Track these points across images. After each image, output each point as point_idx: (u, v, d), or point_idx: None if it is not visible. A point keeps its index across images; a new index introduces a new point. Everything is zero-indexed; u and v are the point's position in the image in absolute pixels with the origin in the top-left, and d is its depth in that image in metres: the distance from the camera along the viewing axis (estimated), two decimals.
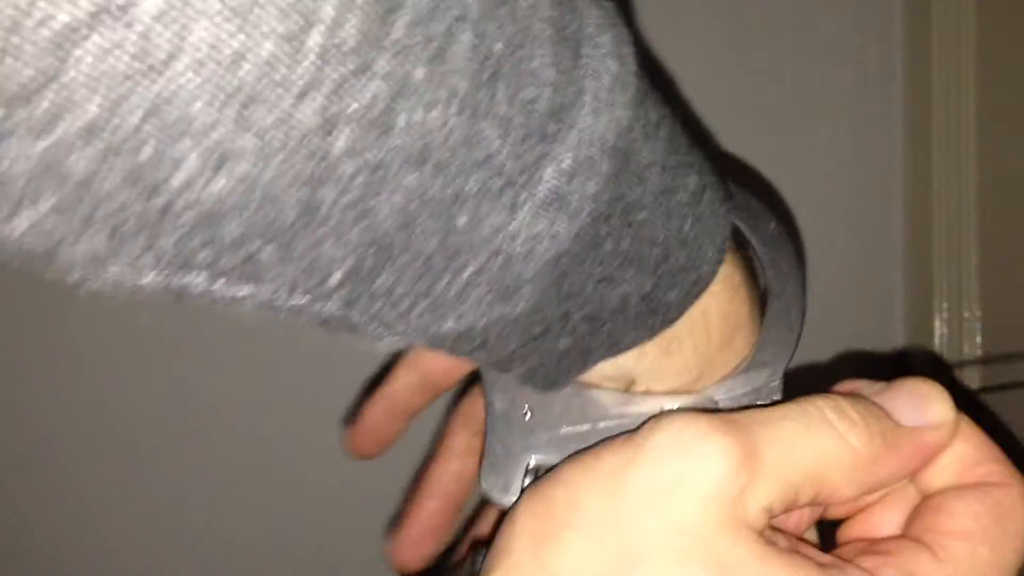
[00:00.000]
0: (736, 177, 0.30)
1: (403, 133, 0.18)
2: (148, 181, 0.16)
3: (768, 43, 0.59)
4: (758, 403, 0.27)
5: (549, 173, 0.21)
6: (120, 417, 0.57)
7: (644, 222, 0.23)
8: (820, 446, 0.22)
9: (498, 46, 0.18)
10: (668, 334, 0.26)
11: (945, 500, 0.23)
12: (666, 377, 0.27)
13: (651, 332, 0.25)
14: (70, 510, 0.57)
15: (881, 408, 0.23)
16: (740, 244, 0.29)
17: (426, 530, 0.34)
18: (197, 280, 0.19)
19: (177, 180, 0.16)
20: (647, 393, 0.27)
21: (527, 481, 0.26)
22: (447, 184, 0.19)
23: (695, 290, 0.25)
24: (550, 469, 0.25)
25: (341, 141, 0.17)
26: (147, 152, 0.16)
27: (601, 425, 0.26)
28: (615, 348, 0.26)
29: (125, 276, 0.18)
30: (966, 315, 0.57)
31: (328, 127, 0.17)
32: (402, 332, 0.22)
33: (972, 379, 0.57)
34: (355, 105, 0.17)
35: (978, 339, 0.57)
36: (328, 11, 0.16)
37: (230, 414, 0.57)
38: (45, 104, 0.15)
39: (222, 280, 0.19)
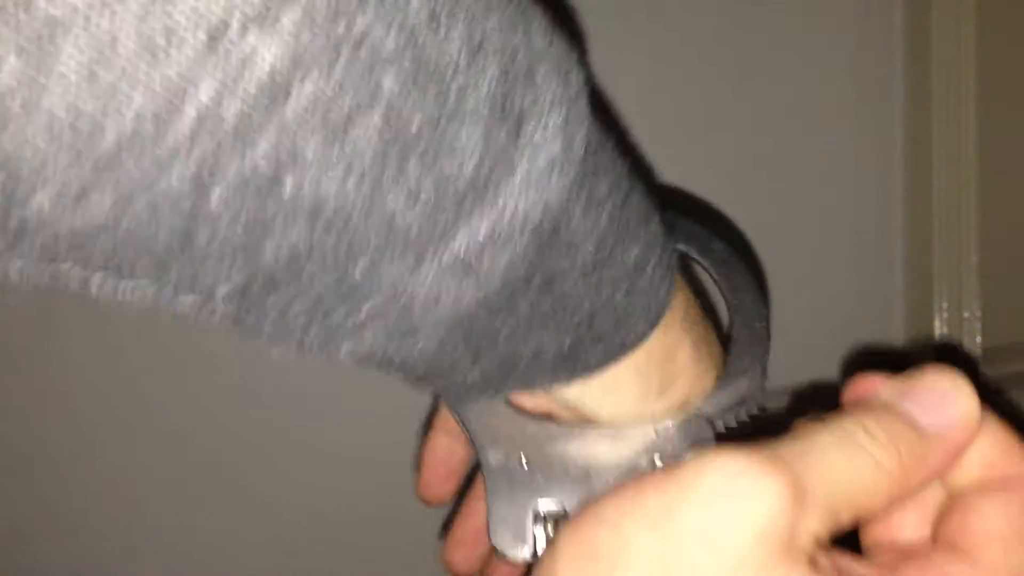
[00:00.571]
0: (685, 209, 0.31)
1: (289, 199, 0.18)
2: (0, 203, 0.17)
3: (768, 43, 0.59)
4: (747, 412, 0.28)
5: (459, 241, 0.21)
6: (123, 419, 0.57)
7: (568, 292, 0.23)
8: (858, 474, 0.22)
9: (414, 125, 0.19)
10: (610, 374, 0.26)
11: (974, 502, 0.23)
12: (615, 408, 0.27)
13: (567, 380, 0.26)
14: (68, 514, 0.57)
15: (905, 417, 0.23)
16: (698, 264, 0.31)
17: (477, 530, 0.34)
18: (71, 271, 0.19)
19: (30, 207, 0.17)
20: (635, 422, 0.27)
21: (538, 530, 0.26)
22: (340, 241, 0.20)
23: (619, 353, 0.25)
24: (559, 515, 0.26)
25: (214, 202, 0.18)
26: None
27: (601, 462, 0.26)
28: (529, 386, 0.26)
29: None
30: (966, 315, 0.57)
31: (199, 190, 0.17)
32: (297, 347, 0.22)
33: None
34: (230, 174, 0.17)
35: (978, 339, 0.57)
36: (203, 95, 0.16)
37: (231, 417, 0.57)
38: None
39: (99, 273, 0.19)
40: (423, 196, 0.20)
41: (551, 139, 0.21)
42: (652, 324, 0.26)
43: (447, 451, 0.35)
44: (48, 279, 0.19)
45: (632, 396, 0.27)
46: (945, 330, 0.58)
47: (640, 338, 0.26)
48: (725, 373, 0.28)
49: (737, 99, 0.59)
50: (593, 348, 0.25)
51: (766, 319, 0.30)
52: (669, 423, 0.27)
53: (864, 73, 0.60)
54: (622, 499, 0.22)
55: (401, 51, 0.18)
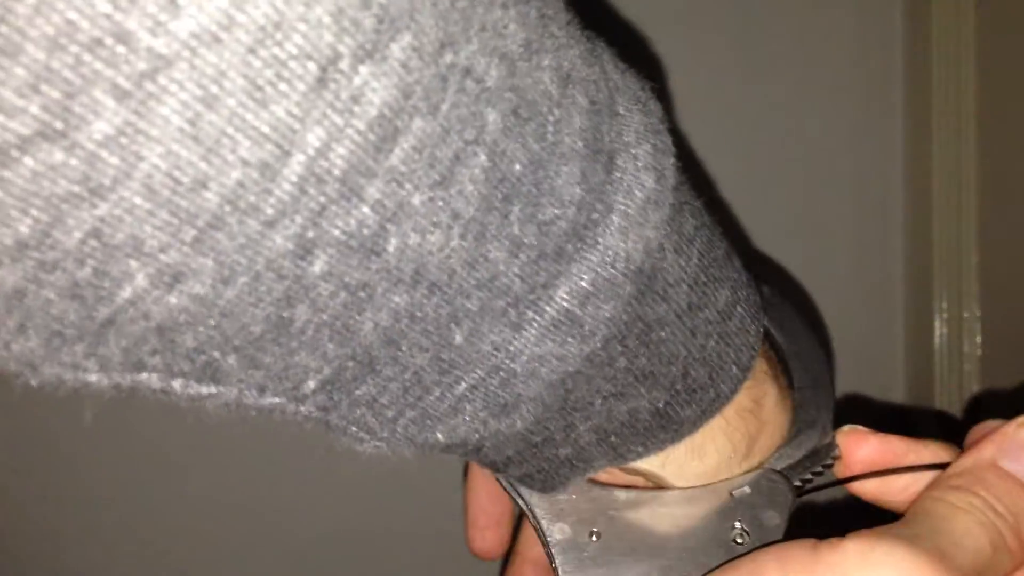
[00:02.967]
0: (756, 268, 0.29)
1: (393, 256, 0.17)
2: (89, 296, 0.15)
3: (769, 43, 0.59)
4: (821, 465, 0.26)
5: (562, 294, 0.19)
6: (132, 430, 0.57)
7: (664, 340, 0.22)
8: (998, 559, 0.21)
9: (517, 166, 0.17)
10: (699, 434, 0.24)
11: None
12: (698, 478, 0.25)
13: (660, 445, 0.24)
14: (70, 520, 0.57)
15: (1020, 484, 0.22)
16: None
17: None
18: (150, 379, 0.17)
19: (122, 296, 0.15)
20: (710, 484, 0.25)
21: None
22: (443, 304, 0.18)
23: (713, 408, 0.24)
24: None
25: (318, 265, 0.16)
26: (87, 271, 0.15)
27: (678, 530, 0.24)
28: (620, 459, 0.24)
29: (66, 376, 0.17)
30: (966, 315, 0.57)
31: (303, 251, 0.16)
32: (386, 439, 0.21)
33: (972, 379, 0.57)
34: (336, 231, 0.16)
35: (978, 339, 0.57)
36: (312, 140, 0.15)
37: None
38: None
39: (179, 380, 0.18)
40: (524, 250, 0.18)
41: (644, 172, 0.20)
42: (745, 371, 0.24)
43: (491, 497, 0.32)
44: (125, 390, 0.17)
45: (718, 457, 0.25)
46: (945, 330, 0.58)
47: (734, 389, 0.24)
48: (794, 419, 0.27)
49: (737, 99, 0.59)
50: (688, 404, 0.23)
51: (826, 363, 0.28)
52: (745, 484, 0.25)
53: (864, 73, 0.60)
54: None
55: (501, 87, 0.17)
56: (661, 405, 0.23)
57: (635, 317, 0.21)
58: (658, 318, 0.21)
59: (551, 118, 0.18)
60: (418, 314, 0.18)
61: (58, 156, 0.13)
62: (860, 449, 0.26)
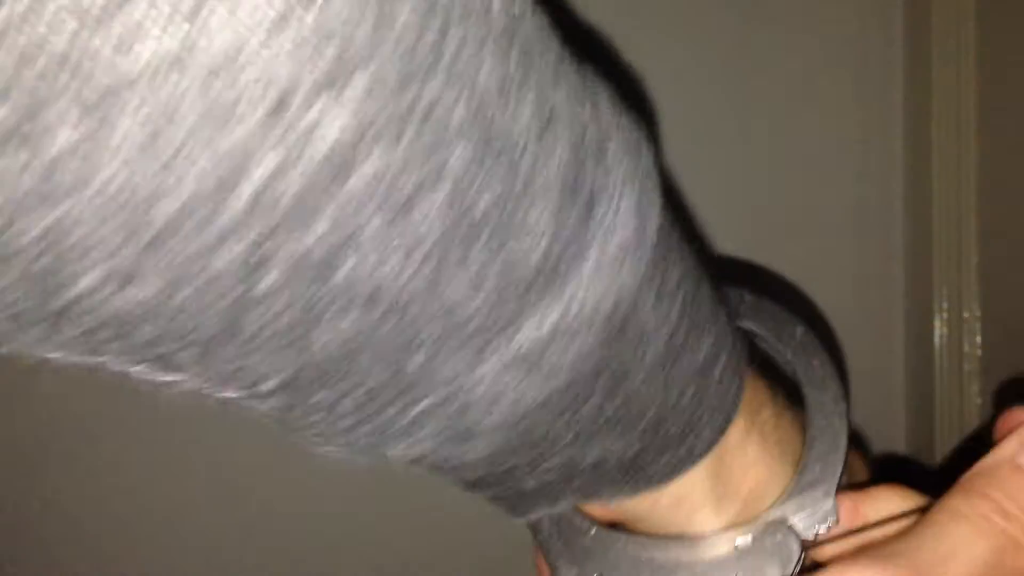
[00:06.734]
0: (760, 285, 0.29)
1: (345, 280, 0.17)
2: (42, 287, 0.16)
3: (768, 43, 0.59)
4: (818, 528, 0.25)
5: (527, 331, 0.19)
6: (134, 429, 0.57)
7: (636, 391, 0.22)
8: (1005, 561, 0.21)
9: (483, 201, 0.17)
10: (680, 483, 0.24)
11: None
12: (691, 520, 0.25)
13: (629, 493, 0.24)
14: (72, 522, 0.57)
15: None
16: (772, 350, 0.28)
17: None
18: (112, 362, 0.18)
19: (75, 291, 0.16)
20: (703, 535, 0.25)
21: None
22: (400, 328, 0.18)
23: (685, 463, 0.24)
24: None
25: (265, 283, 0.17)
26: (42, 264, 0.15)
27: None
28: (588, 499, 0.24)
29: (31, 352, 0.17)
30: (966, 315, 0.57)
31: (251, 268, 0.16)
32: (344, 447, 0.21)
33: (972, 379, 0.57)
34: (284, 252, 0.16)
35: (978, 339, 0.57)
36: (267, 163, 0.15)
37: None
38: None
39: (141, 366, 0.18)
40: (487, 284, 0.18)
41: (623, 222, 0.20)
42: (720, 431, 0.24)
43: None
44: (87, 368, 0.18)
45: (704, 505, 0.25)
46: (945, 330, 0.58)
47: (708, 446, 0.24)
48: (798, 476, 0.26)
49: (737, 100, 0.59)
50: (659, 458, 0.23)
51: (846, 416, 0.27)
52: (749, 535, 0.25)
53: (864, 73, 0.59)
54: None
55: (470, 123, 0.17)
56: (630, 454, 0.23)
57: (603, 363, 0.21)
58: (630, 367, 0.21)
59: (524, 161, 0.18)
60: (372, 337, 0.18)
61: (23, 157, 0.14)
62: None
